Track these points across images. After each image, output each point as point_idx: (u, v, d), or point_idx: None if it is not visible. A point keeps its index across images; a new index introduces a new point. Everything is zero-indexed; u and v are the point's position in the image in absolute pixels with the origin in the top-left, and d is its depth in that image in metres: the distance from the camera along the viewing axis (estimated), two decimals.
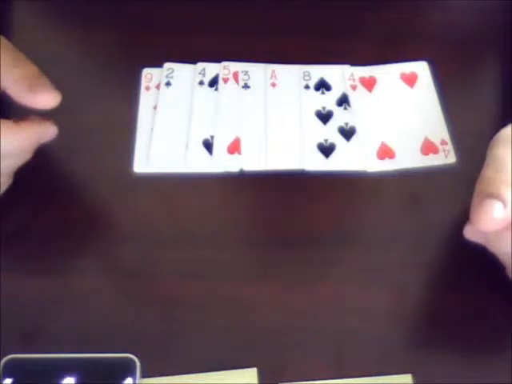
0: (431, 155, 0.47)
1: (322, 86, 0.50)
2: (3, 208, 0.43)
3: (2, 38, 0.42)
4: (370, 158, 0.47)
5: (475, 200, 0.38)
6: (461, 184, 0.46)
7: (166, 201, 0.46)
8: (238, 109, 0.49)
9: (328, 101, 0.49)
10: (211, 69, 0.50)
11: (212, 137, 0.47)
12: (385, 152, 0.47)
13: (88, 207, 0.46)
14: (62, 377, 0.37)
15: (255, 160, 0.47)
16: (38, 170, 0.46)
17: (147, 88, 0.50)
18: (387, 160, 0.47)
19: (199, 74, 0.50)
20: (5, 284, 0.42)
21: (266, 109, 0.49)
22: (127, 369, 0.38)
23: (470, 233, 0.40)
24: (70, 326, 0.41)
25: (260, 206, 0.46)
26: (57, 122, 0.45)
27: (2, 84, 0.41)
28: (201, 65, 0.50)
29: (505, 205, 0.37)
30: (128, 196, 0.46)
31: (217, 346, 0.40)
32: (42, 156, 0.47)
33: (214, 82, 0.50)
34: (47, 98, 0.41)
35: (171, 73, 0.50)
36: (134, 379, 0.38)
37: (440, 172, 0.46)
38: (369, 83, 0.50)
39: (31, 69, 0.42)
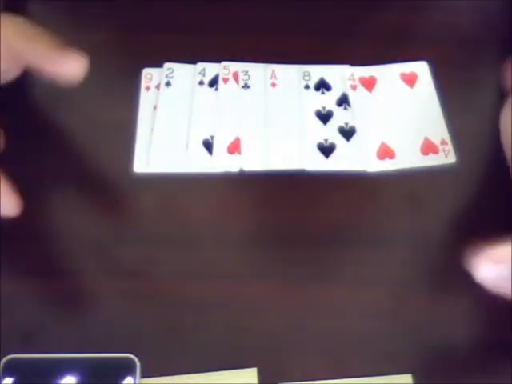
0: (431, 155, 0.47)
1: (322, 85, 0.50)
2: None
3: (22, 18, 0.41)
4: (370, 157, 0.47)
5: None
6: (461, 184, 0.46)
7: (166, 201, 0.46)
8: (238, 109, 0.49)
9: (328, 101, 0.49)
10: (211, 69, 0.50)
11: (212, 137, 0.47)
12: (385, 152, 0.47)
13: (88, 207, 0.46)
14: (62, 377, 0.38)
15: (255, 160, 0.47)
16: (37, 169, 0.46)
17: (147, 88, 0.50)
18: (387, 160, 0.47)
19: (199, 74, 0.50)
20: (5, 284, 0.42)
21: (266, 109, 0.49)
22: (127, 369, 0.38)
23: None
24: (70, 326, 0.41)
25: (260, 206, 0.46)
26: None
27: (27, 59, 0.41)
28: (201, 65, 0.50)
29: None
30: (128, 196, 0.46)
31: (217, 346, 0.40)
32: (41, 156, 0.47)
33: (214, 82, 0.50)
34: (76, 63, 0.40)
35: (171, 73, 0.50)
36: (134, 379, 0.38)
37: (440, 172, 0.46)
38: (369, 83, 0.50)
39: (56, 40, 0.41)
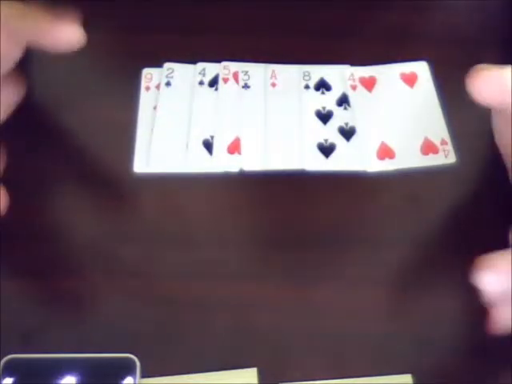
0: (431, 155, 0.47)
1: (322, 85, 0.50)
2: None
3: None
4: (370, 157, 0.47)
5: None
6: (461, 184, 0.46)
7: (166, 201, 0.46)
8: (238, 109, 0.49)
9: (328, 101, 0.49)
10: (211, 69, 0.50)
11: (212, 137, 0.47)
12: (385, 152, 0.47)
13: (88, 207, 0.46)
14: (62, 377, 0.37)
15: (255, 160, 0.47)
16: (37, 169, 0.46)
17: (147, 88, 0.50)
18: (387, 160, 0.47)
19: (199, 74, 0.50)
20: (5, 284, 0.42)
21: (265, 109, 0.49)
22: (127, 369, 0.38)
23: None
24: (70, 326, 0.41)
25: (260, 206, 0.46)
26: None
27: (26, 36, 0.41)
28: (201, 65, 0.50)
29: None
30: (128, 196, 0.46)
31: (217, 346, 0.40)
32: (41, 156, 0.47)
33: (214, 82, 0.50)
34: (72, 29, 0.41)
35: (171, 73, 0.50)
36: (134, 379, 0.38)
37: (440, 172, 0.46)
38: (369, 83, 0.50)
39: (49, 12, 0.41)
